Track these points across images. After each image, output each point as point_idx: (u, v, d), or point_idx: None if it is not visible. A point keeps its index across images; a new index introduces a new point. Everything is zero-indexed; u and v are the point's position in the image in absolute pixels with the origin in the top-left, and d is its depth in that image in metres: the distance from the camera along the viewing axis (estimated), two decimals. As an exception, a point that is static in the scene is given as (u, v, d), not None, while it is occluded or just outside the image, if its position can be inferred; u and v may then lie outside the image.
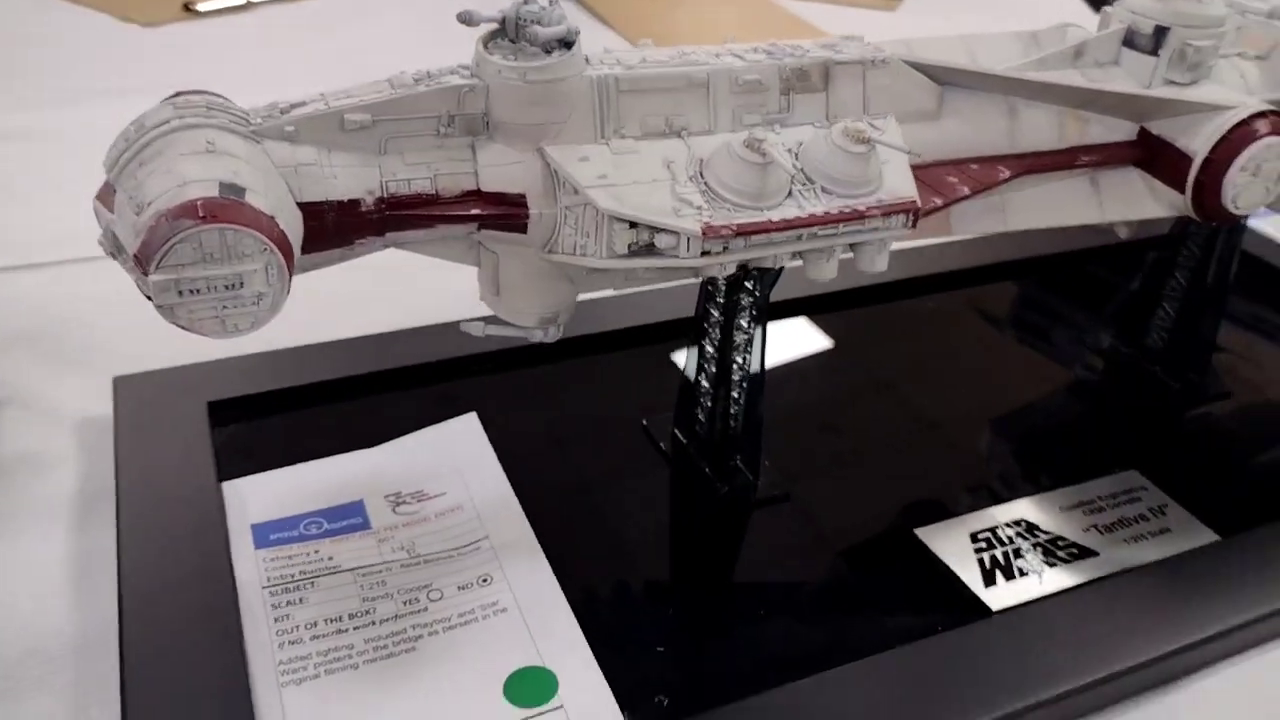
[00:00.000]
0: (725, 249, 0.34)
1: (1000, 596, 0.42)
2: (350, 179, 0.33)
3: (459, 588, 0.40)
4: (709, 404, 0.45)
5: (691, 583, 0.43)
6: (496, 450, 0.47)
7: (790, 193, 0.35)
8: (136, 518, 0.42)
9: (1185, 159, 0.42)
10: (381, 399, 0.51)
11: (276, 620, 0.38)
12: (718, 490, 0.46)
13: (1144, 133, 0.44)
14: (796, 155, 0.36)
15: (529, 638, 0.38)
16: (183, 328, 0.30)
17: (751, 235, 0.34)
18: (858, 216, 0.36)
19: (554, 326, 0.39)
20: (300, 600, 0.39)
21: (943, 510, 0.46)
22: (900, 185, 0.37)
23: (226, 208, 0.29)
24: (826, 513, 0.47)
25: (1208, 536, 0.46)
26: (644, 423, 0.50)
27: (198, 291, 0.29)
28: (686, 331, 0.45)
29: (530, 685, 0.36)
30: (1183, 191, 0.43)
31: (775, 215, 0.35)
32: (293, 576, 0.40)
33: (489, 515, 0.43)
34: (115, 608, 0.39)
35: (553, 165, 0.34)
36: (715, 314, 0.43)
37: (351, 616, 0.39)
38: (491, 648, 0.38)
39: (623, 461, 0.49)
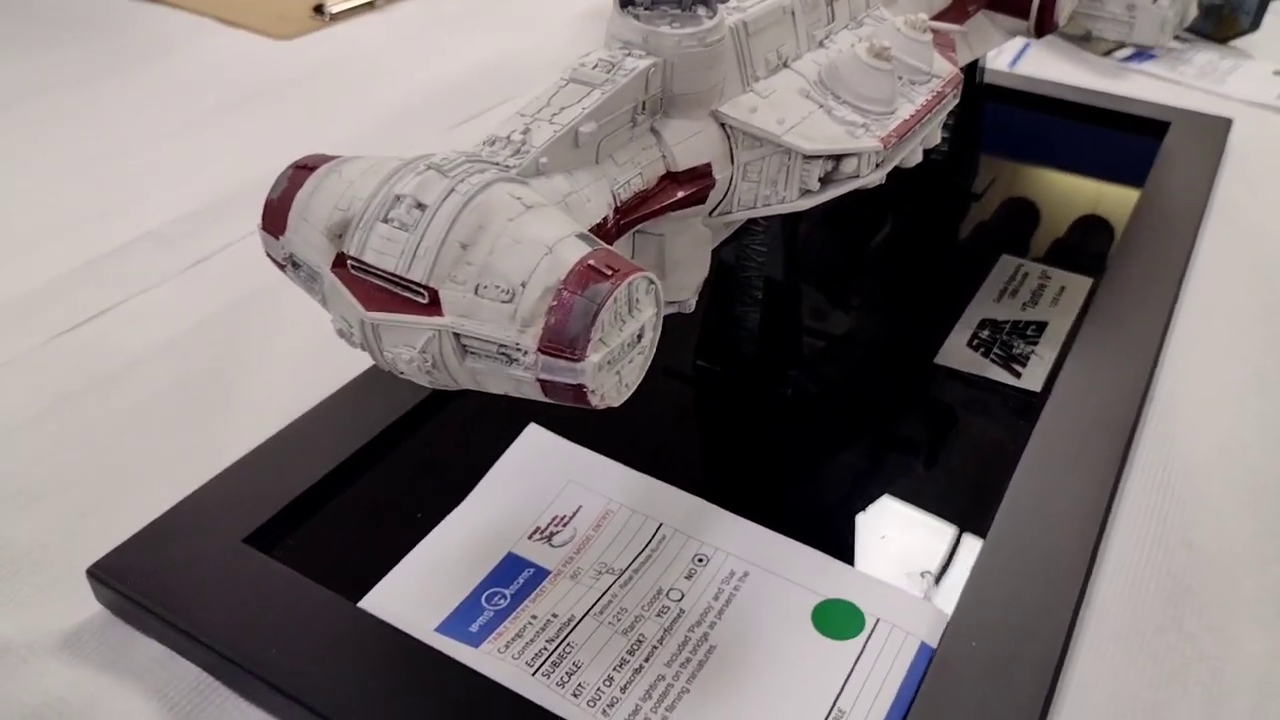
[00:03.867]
0: (886, 158, 0.36)
1: (1030, 380, 0.50)
2: (597, 198, 0.30)
3: (686, 578, 0.39)
4: (754, 325, 0.47)
5: (837, 475, 0.45)
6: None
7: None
8: (325, 692, 0.34)
9: (1028, -10, 0.51)
10: (405, 452, 0.45)
11: (575, 695, 0.35)
12: (785, 395, 0.48)
13: (984, -24, 0.52)
14: (872, 57, 0.39)
15: (794, 585, 0.39)
16: (592, 406, 0.26)
17: (901, 138, 0.37)
18: (940, 98, 0.39)
19: (698, 290, 0.38)
20: (575, 665, 0.36)
21: (933, 338, 0.53)
22: (941, 62, 0.41)
23: (618, 259, 0.25)
24: (860, 380, 0.51)
25: (1088, 281, 0.58)
26: (664, 368, 0.50)
27: (613, 361, 0.25)
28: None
29: (838, 619, 0.38)
30: (1027, 18, 0.52)
31: (904, 114, 0.37)
32: (543, 650, 0.36)
33: (644, 505, 0.42)
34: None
35: (732, 124, 0.33)
36: (747, 240, 0.45)
37: (632, 652, 0.36)
38: (777, 609, 0.38)
39: (679, 406, 0.49)
